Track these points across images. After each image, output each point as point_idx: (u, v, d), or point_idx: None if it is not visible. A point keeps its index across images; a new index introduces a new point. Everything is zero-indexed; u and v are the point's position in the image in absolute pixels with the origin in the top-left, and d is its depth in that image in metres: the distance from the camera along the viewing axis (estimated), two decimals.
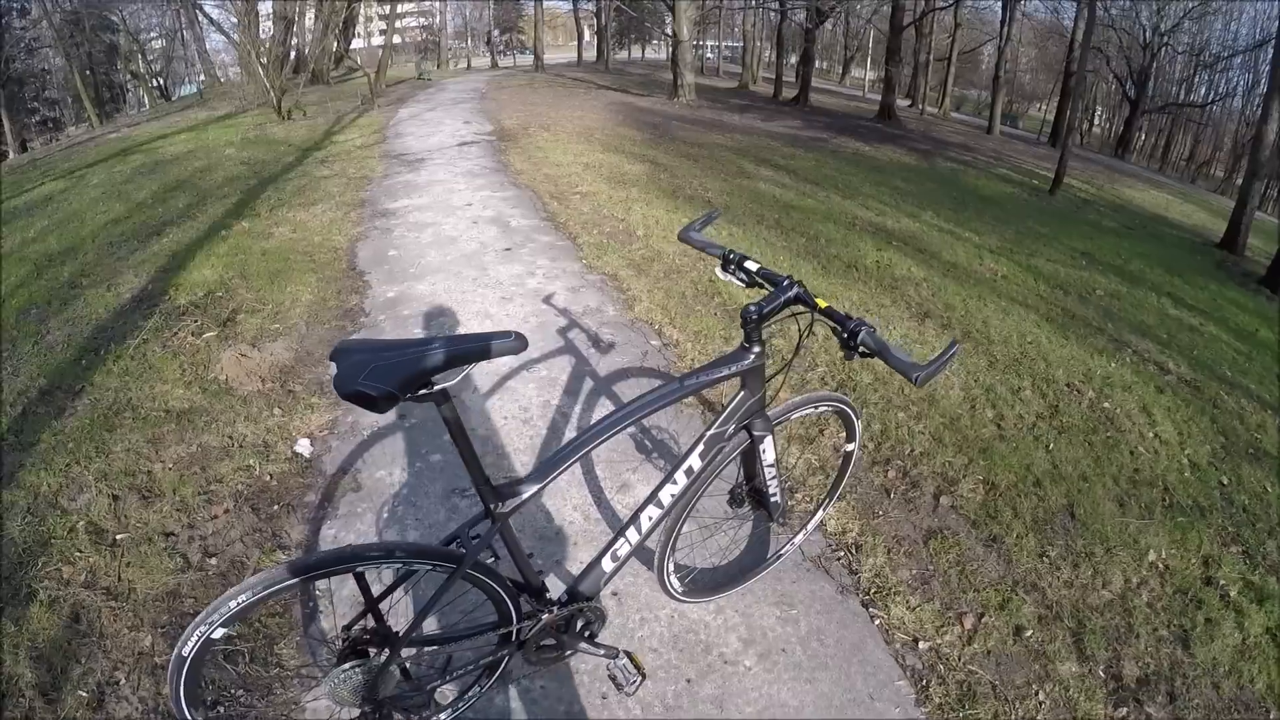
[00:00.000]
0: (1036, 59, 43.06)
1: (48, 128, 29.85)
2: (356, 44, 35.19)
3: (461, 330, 3.88)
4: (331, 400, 3.29)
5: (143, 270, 5.22)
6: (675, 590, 1.88)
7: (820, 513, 2.21)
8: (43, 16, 27.12)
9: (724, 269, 1.60)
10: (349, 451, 2.89)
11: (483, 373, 3.38)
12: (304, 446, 2.96)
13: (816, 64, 31.69)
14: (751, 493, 1.85)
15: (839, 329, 1.35)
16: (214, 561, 2.33)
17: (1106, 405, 3.69)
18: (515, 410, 3.07)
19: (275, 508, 2.59)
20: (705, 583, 2.12)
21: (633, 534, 1.57)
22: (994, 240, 8.22)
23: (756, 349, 1.50)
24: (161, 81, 34.00)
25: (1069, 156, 14.67)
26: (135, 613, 2.11)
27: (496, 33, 49.36)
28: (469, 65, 42.20)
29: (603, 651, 1.69)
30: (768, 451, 1.69)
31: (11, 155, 22.16)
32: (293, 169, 9.07)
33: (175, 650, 1.18)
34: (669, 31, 20.89)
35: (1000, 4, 26.78)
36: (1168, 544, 2.62)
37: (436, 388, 1.17)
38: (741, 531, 2.28)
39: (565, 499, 2.54)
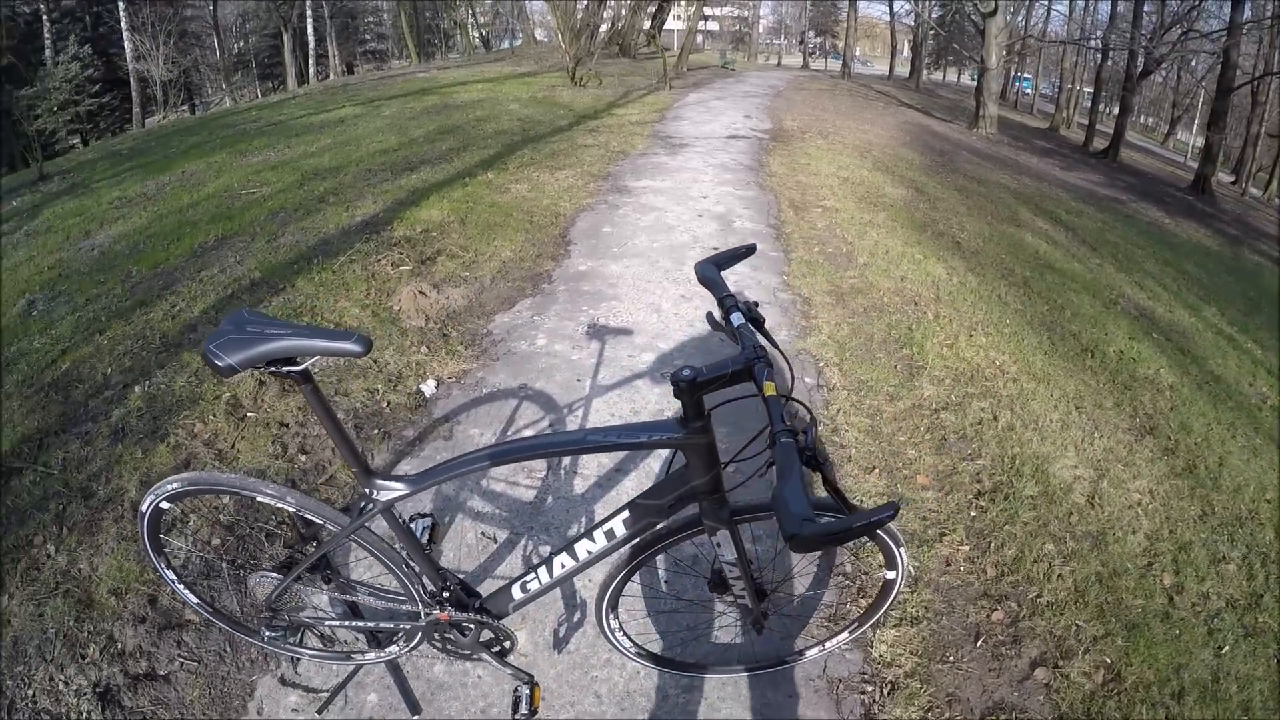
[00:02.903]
0: None
1: (373, 57, 37.35)
2: (674, 24, 38.70)
3: (619, 314, 4.33)
4: (475, 353, 3.89)
5: (382, 199, 6.41)
6: (624, 647, 2.00)
7: (846, 634, 2.11)
8: None
9: (719, 317, 1.62)
10: (461, 404, 3.43)
11: (619, 367, 3.74)
12: (429, 387, 3.56)
13: (1142, 120, 29.96)
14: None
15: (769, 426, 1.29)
16: (303, 459, 2.97)
17: None
18: (628, 411, 3.38)
19: (376, 432, 3.19)
20: (687, 654, 2.20)
21: (544, 574, 1.72)
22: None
23: (696, 424, 1.47)
24: (484, 33, 40.58)
25: None
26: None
27: (811, 33, 52.88)
28: (779, 62, 46.56)
29: (509, 672, 1.91)
30: (724, 546, 1.69)
31: (332, 76, 27.88)
32: (560, 133, 10.36)
33: (138, 509, 1.72)
34: (976, 58, 21.44)
35: None
36: None
37: (297, 368, 1.42)
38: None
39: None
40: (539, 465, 2.96)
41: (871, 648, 2.32)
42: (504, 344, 4.01)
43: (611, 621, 1.91)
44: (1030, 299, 5.89)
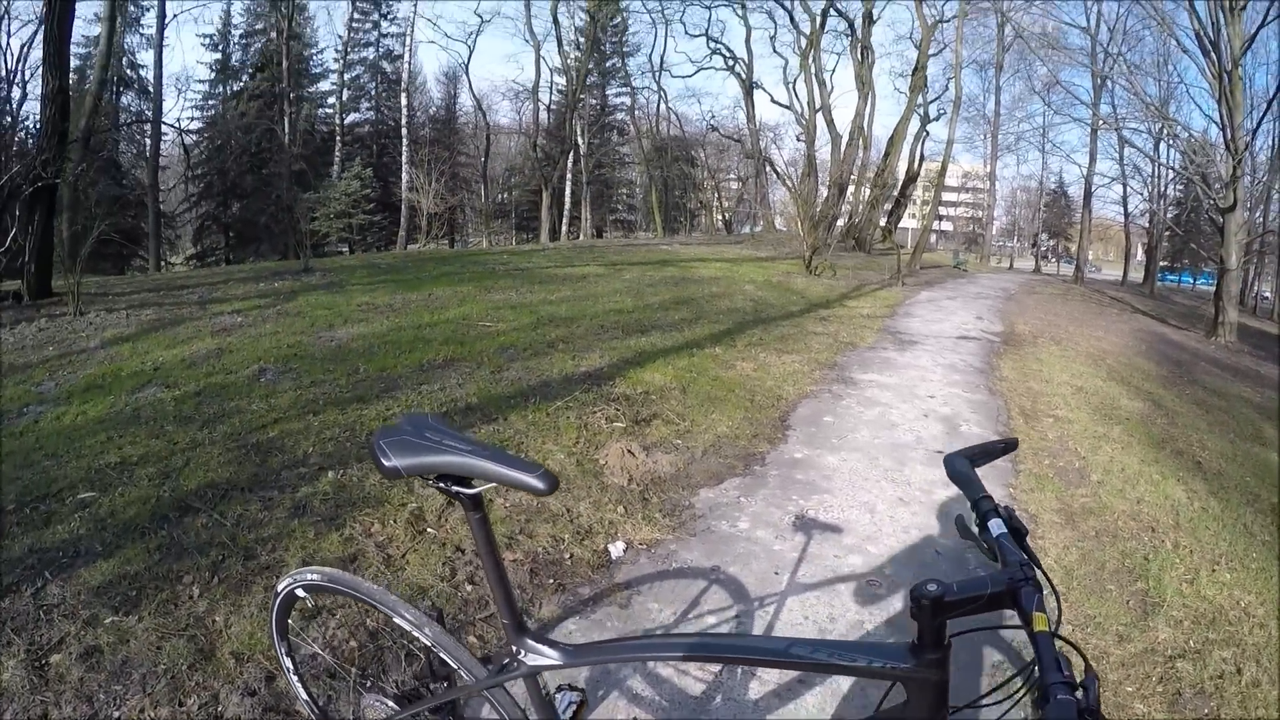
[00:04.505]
0: None
1: (621, 225, 42.70)
2: (909, 223, 40.61)
3: (830, 509, 4.02)
4: (672, 523, 3.72)
5: (609, 355, 6.63)
6: None
7: None
8: (637, 137, 40.39)
9: (971, 521, 1.35)
10: (646, 574, 3.22)
11: (822, 566, 3.40)
12: (617, 548, 3.40)
13: None
14: None
15: (1035, 675, 1.00)
16: (469, 589, 2.87)
17: None
18: (824, 617, 2.98)
19: (550, 581, 3.04)
20: None
21: None
22: None
23: (931, 655, 1.15)
24: (727, 216, 44.08)
25: None
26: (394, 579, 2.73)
27: (1044, 236, 53.56)
28: (1011, 265, 47.39)
29: None
30: None
31: (582, 237, 31.14)
32: (790, 318, 10.52)
33: (274, 587, 1.73)
34: (1214, 258, 20.92)
35: None
36: None
37: (469, 490, 1.32)
38: None
39: None
40: None
41: None
42: (704, 520, 3.81)
43: None
44: (1276, 530, 5.19)
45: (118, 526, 3.04)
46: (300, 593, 1.69)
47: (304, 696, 1.94)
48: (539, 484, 1.24)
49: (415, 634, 1.54)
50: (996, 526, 1.27)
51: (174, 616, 2.50)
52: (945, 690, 1.17)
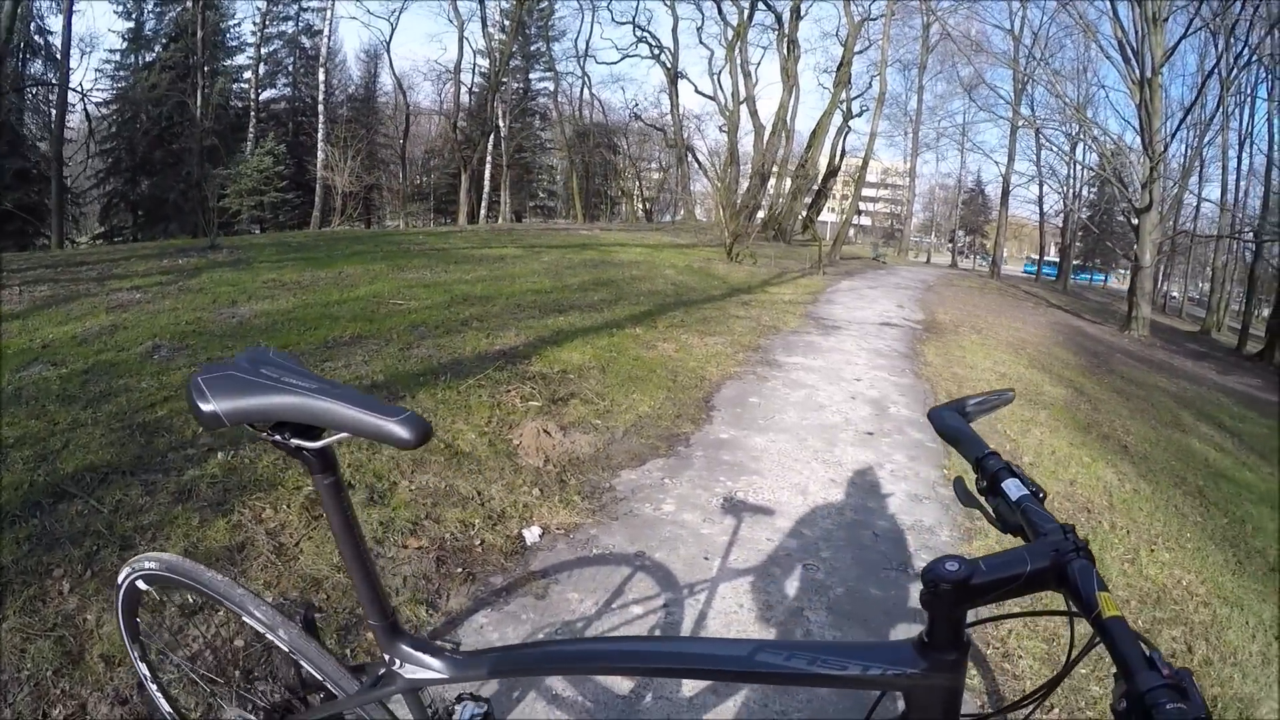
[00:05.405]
0: None
1: (541, 211, 42.32)
2: (828, 216, 42.34)
3: (759, 491, 3.84)
4: (592, 506, 3.49)
5: (525, 333, 6.33)
6: None
7: None
8: (560, 122, 40.18)
9: (974, 484, 1.09)
10: (564, 561, 2.99)
11: (754, 550, 3.21)
12: (532, 534, 3.15)
13: None
14: None
15: (1123, 677, 0.70)
16: None
17: None
18: (761, 604, 2.80)
19: (460, 570, 2.78)
20: None
21: None
22: None
23: (946, 656, 0.86)
24: (648, 205, 43.93)
25: None
26: (284, 570, 2.42)
27: (961, 233, 55.96)
28: (929, 259, 49.35)
29: None
30: None
31: (500, 221, 30.81)
32: (712, 302, 10.40)
33: (116, 578, 1.43)
34: (1129, 256, 22.32)
35: None
36: None
37: (314, 444, 1.01)
38: None
39: None
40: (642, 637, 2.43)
41: None
42: (626, 503, 3.59)
43: None
44: (1207, 510, 5.42)
45: None
46: (141, 585, 1.35)
47: (165, 709, 1.61)
48: (402, 432, 0.93)
49: (269, 636, 1.22)
50: (1015, 488, 1.00)
51: (41, 615, 2.19)
52: (958, 698, 0.89)
